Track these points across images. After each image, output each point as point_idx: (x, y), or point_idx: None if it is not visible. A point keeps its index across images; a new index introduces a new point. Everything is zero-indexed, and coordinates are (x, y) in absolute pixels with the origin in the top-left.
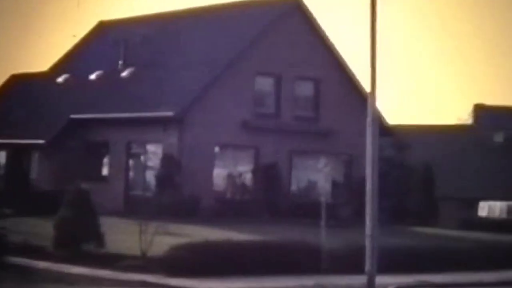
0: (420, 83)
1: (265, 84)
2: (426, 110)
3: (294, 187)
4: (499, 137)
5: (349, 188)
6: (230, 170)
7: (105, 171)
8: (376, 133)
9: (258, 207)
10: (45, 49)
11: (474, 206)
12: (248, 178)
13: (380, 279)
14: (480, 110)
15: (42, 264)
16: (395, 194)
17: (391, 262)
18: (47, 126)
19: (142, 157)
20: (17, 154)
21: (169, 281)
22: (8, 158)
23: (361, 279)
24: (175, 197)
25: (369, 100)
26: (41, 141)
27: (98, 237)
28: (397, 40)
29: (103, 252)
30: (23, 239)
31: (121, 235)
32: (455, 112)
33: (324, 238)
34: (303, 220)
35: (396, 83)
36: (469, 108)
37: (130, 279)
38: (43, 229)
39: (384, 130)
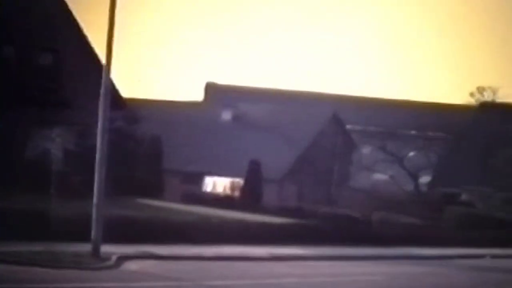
0: (158, 58)
1: (8, 53)
2: (163, 85)
3: (30, 155)
4: (227, 115)
5: (81, 158)
6: None
7: None
8: (107, 105)
9: None
10: None
11: (199, 181)
12: None
13: (105, 248)
14: (211, 88)
15: None
16: (124, 165)
17: (117, 232)
18: None
19: None
20: None
21: None
22: None
23: (88, 247)
24: None
25: (103, 72)
26: None
27: None
28: (140, 12)
29: None
30: None
31: None
32: (189, 88)
33: (54, 205)
34: (36, 187)
35: (136, 57)
36: (202, 86)
37: None
38: None
39: (118, 102)
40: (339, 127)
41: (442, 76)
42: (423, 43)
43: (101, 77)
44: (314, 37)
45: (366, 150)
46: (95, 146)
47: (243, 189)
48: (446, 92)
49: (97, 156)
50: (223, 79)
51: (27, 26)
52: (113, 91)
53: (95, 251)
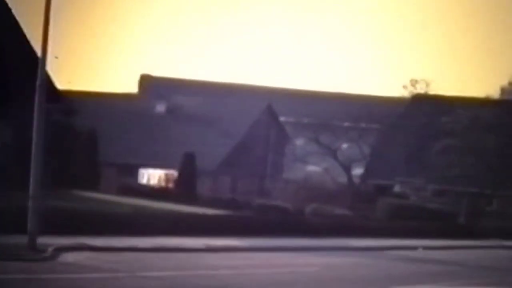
0: (93, 50)
1: None
2: (99, 77)
3: None
4: (161, 107)
5: (18, 151)
6: None
7: None
8: (43, 97)
9: None
10: None
11: (135, 173)
12: None
13: (42, 240)
14: (146, 81)
15: None
16: (60, 157)
17: (53, 224)
18: None
19: None
20: None
21: None
22: None
23: (25, 239)
24: None
25: (39, 65)
26: None
27: None
28: (76, 4)
29: None
30: None
31: None
32: (124, 81)
33: None
34: None
35: (72, 49)
36: (137, 78)
37: None
38: None
39: (54, 95)
40: (273, 119)
41: (376, 69)
42: (357, 36)
43: (37, 70)
44: (247, 30)
45: (299, 142)
46: (31, 138)
47: (178, 181)
48: (379, 84)
49: (33, 148)
50: (157, 71)
51: None
52: (49, 84)
53: (32, 243)
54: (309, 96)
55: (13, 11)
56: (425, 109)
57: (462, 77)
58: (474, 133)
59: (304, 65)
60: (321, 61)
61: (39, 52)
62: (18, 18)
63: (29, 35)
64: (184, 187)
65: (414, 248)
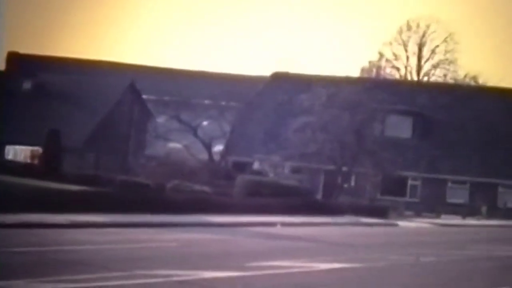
0: None
1: None
2: None
3: None
4: (28, 84)
5: None
6: None
7: None
8: None
9: None
10: None
11: (1, 149)
12: None
13: None
14: (13, 58)
15: None
16: None
17: None
18: None
19: None
20: None
21: None
22: None
23: None
24: None
25: None
26: None
27: None
28: None
29: None
30: None
31: None
32: None
33: None
34: None
35: None
36: (3, 55)
37: None
38: None
39: None
40: (136, 96)
41: (239, 47)
42: (219, 13)
43: None
44: (111, 6)
45: (161, 119)
46: None
47: (43, 158)
48: (242, 63)
49: None
50: (25, 48)
51: None
52: None
53: None
54: (170, 74)
55: None
56: (285, 87)
57: (326, 57)
58: (331, 110)
59: (166, 42)
60: (183, 39)
61: None
62: None
63: None
64: (49, 164)
65: (272, 224)
